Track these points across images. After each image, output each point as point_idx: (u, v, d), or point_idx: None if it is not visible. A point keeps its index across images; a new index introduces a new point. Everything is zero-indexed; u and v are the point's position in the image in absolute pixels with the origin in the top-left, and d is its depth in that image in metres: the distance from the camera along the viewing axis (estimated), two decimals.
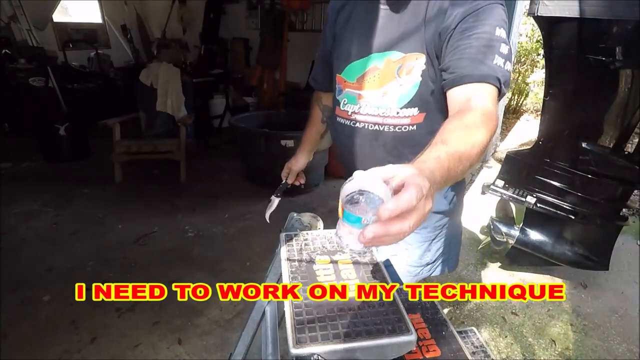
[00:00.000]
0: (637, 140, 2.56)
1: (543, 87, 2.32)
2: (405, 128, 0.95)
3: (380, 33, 0.92)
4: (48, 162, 3.79)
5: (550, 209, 2.05)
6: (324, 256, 0.76)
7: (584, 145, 1.89)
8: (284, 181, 1.32)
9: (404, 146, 0.97)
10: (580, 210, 1.98)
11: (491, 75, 0.77)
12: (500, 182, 2.22)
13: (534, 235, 2.16)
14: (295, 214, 0.95)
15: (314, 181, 3.41)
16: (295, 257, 0.75)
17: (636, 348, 1.80)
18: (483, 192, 2.29)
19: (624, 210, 1.95)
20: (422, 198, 0.42)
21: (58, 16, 5.41)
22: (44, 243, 2.48)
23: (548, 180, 2.04)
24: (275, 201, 1.28)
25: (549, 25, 1.81)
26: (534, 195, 2.07)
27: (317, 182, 3.45)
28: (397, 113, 0.94)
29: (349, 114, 1.01)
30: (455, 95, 0.81)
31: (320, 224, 0.95)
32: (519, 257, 2.25)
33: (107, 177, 3.36)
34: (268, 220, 1.27)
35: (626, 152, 1.90)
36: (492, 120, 0.71)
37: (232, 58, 6.02)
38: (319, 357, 0.52)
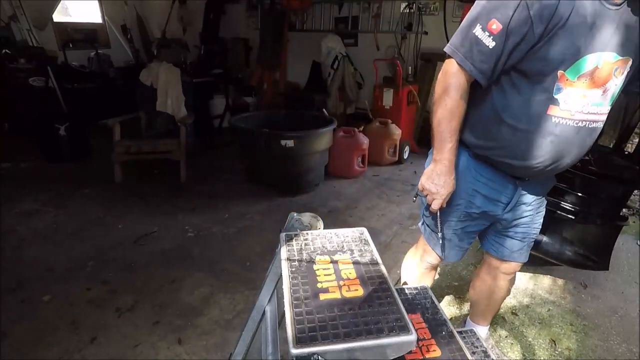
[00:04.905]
0: (637, 140, 2.56)
1: None
2: (602, 123, 1.06)
3: (603, 32, 0.94)
4: (48, 162, 3.79)
5: (551, 209, 2.04)
6: (324, 256, 0.77)
7: None
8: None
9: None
10: (580, 210, 1.98)
11: None
12: None
13: None
14: (295, 214, 0.95)
15: (314, 181, 3.41)
16: (295, 257, 0.75)
17: (636, 348, 1.80)
18: None
19: (624, 210, 1.95)
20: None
21: (58, 16, 5.39)
22: (44, 243, 2.47)
23: None
24: None
25: None
26: None
27: (317, 182, 3.45)
28: (608, 110, 1.04)
29: (572, 114, 1.00)
30: None
31: (321, 224, 0.95)
32: None
33: (107, 177, 3.36)
34: None
35: (626, 152, 1.90)
36: None
37: (232, 58, 6.02)
38: (319, 357, 0.52)
